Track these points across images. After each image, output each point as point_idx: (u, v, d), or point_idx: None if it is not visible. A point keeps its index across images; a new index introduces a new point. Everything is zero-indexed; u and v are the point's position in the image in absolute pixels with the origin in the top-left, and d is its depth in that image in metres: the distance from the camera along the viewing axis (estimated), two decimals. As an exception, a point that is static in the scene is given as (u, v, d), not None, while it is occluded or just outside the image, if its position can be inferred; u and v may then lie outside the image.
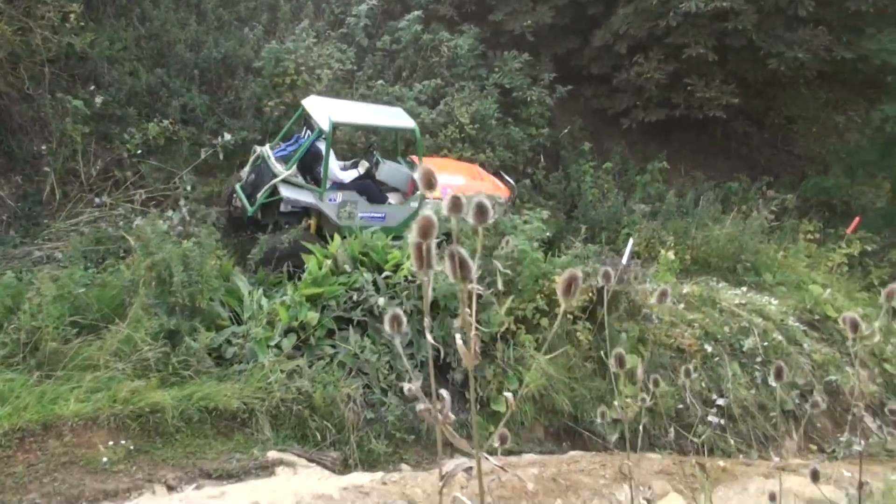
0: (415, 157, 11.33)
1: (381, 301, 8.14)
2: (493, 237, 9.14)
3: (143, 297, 7.86)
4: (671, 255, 11.49)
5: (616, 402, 3.60)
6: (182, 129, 11.95)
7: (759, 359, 9.87)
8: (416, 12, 13.95)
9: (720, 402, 9.30)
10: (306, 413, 7.28)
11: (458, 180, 11.04)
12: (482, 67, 13.96)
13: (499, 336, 8.19)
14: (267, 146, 10.91)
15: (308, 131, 10.99)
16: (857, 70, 14.01)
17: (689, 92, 13.67)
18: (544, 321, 8.58)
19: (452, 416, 2.61)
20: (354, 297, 8.24)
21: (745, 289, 11.21)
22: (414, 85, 13.08)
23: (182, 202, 10.83)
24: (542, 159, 13.79)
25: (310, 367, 7.60)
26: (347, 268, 8.53)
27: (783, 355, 10.01)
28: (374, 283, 8.38)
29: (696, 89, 13.55)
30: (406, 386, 2.48)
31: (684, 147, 15.77)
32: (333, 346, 7.94)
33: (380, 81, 12.76)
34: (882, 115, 12.99)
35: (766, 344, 9.98)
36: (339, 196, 10.47)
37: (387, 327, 2.14)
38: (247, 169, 11.08)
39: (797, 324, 10.59)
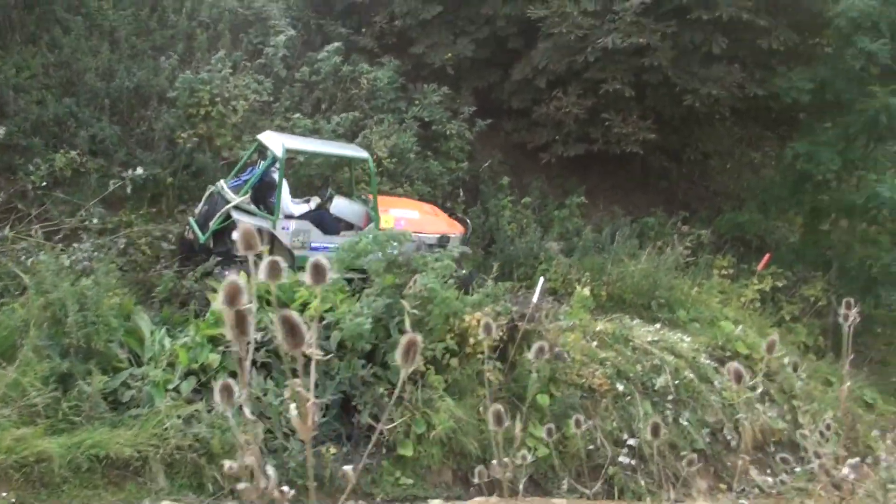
0: (370, 195, 11.31)
1: (286, 342, 7.93)
2: (403, 275, 9.02)
3: (35, 339, 7.56)
4: (586, 291, 11.49)
5: (499, 458, 3.50)
6: (90, 161, 11.63)
7: (670, 397, 9.89)
8: (336, 44, 13.82)
9: (631, 441, 9.28)
10: (203, 461, 7.04)
11: (413, 215, 11.26)
12: (402, 100, 13.88)
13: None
14: (221, 181, 10.91)
15: (262, 162, 10.97)
16: (769, 107, 14.30)
17: (606, 127, 13.77)
18: (454, 361, 8.47)
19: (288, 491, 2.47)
20: (258, 338, 8.01)
21: (658, 325, 11.25)
22: (332, 117, 12.94)
23: (85, 236, 10.51)
24: (462, 193, 13.75)
25: (209, 411, 7.37)
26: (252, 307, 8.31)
27: (694, 393, 10.05)
28: (280, 323, 8.17)
29: (613, 124, 13.67)
30: (227, 464, 2.32)
31: (604, 182, 15.88)
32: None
33: (297, 114, 12.58)
34: (793, 151, 13.23)
35: (677, 382, 10.01)
36: (293, 225, 10.58)
37: (217, 398, 1.99)
38: (200, 203, 11.04)
39: (709, 361, 10.65)
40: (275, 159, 10.46)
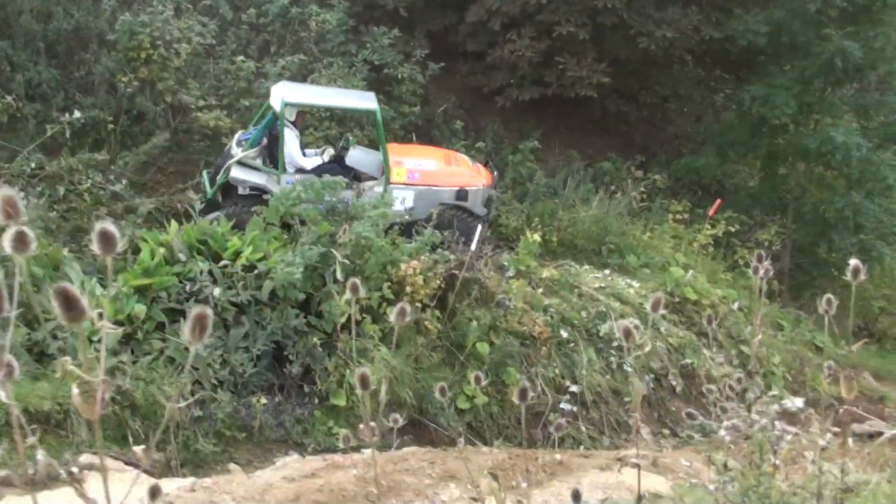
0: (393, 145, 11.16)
1: (217, 291, 7.78)
2: (339, 223, 8.85)
3: (-47, 290, 7.34)
4: (536, 237, 11.37)
5: (366, 422, 3.37)
6: (27, 106, 11.31)
7: (615, 344, 9.82)
8: (284, -16, 13.44)
9: (573, 388, 9.23)
10: (126, 413, 6.91)
11: (429, 165, 10.76)
12: (352, 43, 13.54)
13: (338, 327, 7.89)
14: (239, 132, 10.78)
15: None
16: (727, 50, 14.08)
17: (561, 70, 13.52)
18: (391, 310, 8.32)
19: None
20: (188, 288, 7.85)
21: (608, 271, 11.16)
22: (278, 61, 12.61)
23: (21, 182, 10.25)
24: (414, 138, 13.50)
25: (135, 363, 7.22)
26: (182, 256, 8.12)
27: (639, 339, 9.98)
28: (211, 272, 8.00)
29: (567, 68, 13.41)
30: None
31: (562, 125, 15.66)
32: (163, 341, 7.55)
33: (240, 57, 12.23)
34: (749, 95, 13.04)
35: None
36: (300, 179, 9.97)
37: (187, 333, 1.82)
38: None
39: (656, 307, 10.57)
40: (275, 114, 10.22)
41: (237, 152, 10.09)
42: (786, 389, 9.93)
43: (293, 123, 10.43)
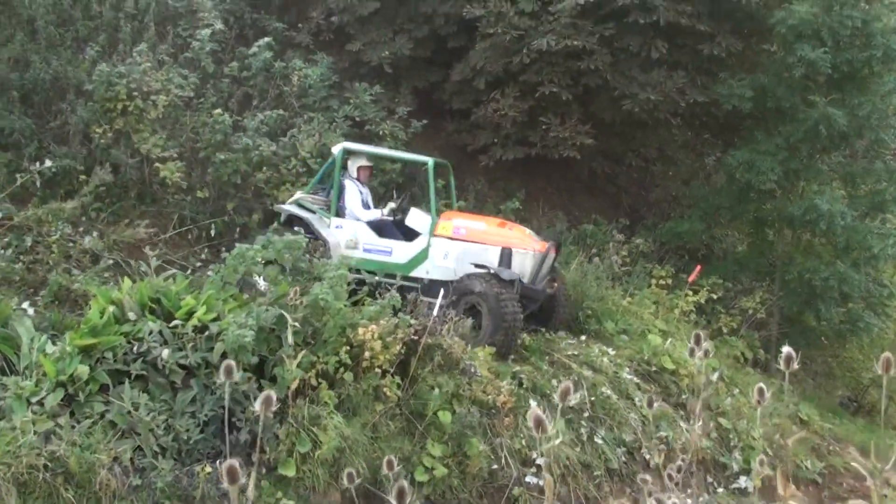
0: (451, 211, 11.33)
1: (165, 353, 7.49)
2: (304, 283, 8.62)
3: None
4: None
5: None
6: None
7: (586, 414, 9.51)
8: (267, 38, 13.33)
9: (540, 461, 8.88)
10: (59, 480, 6.59)
11: (479, 225, 10.54)
12: (334, 98, 13.43)
13: (289, 393, 7.58)
14: None
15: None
16: (713, 113, 13.96)
17: (545, 130, 13.38)
18: (349, 376, 8.04)
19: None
20: (136, 349, 7.57)
21: (584, 337, 10.87)
22: (257, 115, 12.47)
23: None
24: (395, 196, 13.29)
25: (74, 427, 6.92)
26: (133, 315, 7.86)
27: (611, 410, 9.67)
28: (161, 332, 7.73)
29: (551, 128, 13.27)
30: None
31: (549, 186, 15.52)
32: (106, 404, 7.25)
33: (217, 110, 12.08)
34: (734, 160, 12.87)
35: (593, 398, 9.62)
36: (347, 225, 10.75)
37: None
38: None
39: (631, 376, 10.28)
40: (333, 161, 10.89)
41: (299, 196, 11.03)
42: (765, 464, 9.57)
43: (357, 179, 11.16)
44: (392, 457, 3.64)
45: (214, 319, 7.88)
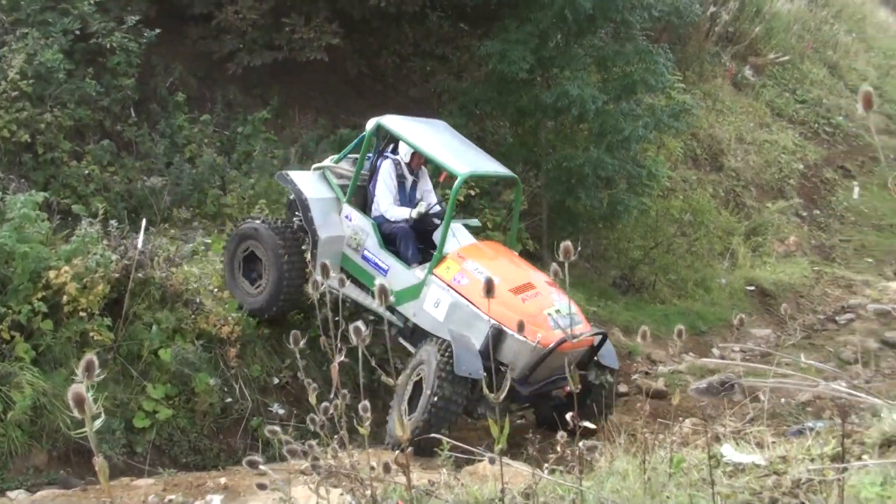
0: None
1: None
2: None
3: None
4: (262, 218, 10.51)
5: None
6: None
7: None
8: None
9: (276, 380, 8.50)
10: None
11: (484, 276, 7.38)
12: (51, 11, 12.06)
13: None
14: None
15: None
16: (464, 4, 13.51)
17: (290, 32, 12.56)
18: (47, 324, 7.29)
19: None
20: None
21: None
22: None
23: None
24: (133, 114, 12.27)
25: None
26: None
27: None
28: None
29: (295, 29, 12.47)
30: None
31: (313, 90, 14.74)
32: None
33: None
34: (486, 50, 12.48)
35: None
36: (356, 220, 8.77)
37: None
38: None
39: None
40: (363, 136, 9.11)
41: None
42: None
43: (408, 164, 9.08)
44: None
45: None
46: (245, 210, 11.07)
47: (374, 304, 8.25)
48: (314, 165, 9.42)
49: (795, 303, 15.18)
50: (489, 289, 3.28)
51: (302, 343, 3.42)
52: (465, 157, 9.09)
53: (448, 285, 8.03)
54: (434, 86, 14.48)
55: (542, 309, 7.87)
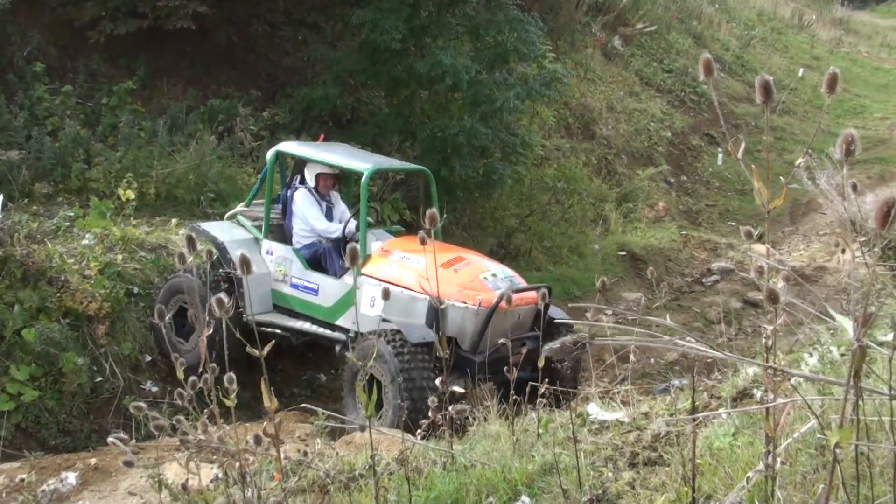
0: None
1: None
2: None
3: None
4: (130, 193, 10.24)
5: None
6: None
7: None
8: None
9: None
10: None
11: (417, 261, 7.93)
12: None
13: None
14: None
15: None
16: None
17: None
18: None
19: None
20: None
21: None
22: None
23: None
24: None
25: None
26: None
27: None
28: None
29: (159, -4, 12.10)
30: None
31: (183, 59, 14.31)
32: None
33: None
34: (358, 19, 12.38)
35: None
36: (277, 250, 8.71)
37: None
38: None
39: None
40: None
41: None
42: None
43: (315, 189, 8.92)
44: None
45: None
46: (112, 185, 10.70)
47: (313, 326, 8.42)
48: (227, 215, 9.43)
49: (665, 266, 15.74)
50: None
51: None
52: (369, 159, 9.38)
53: (379, 279, 7.99)
54: (307, 55, 14.26)
55: (476, 275, 8.01)
